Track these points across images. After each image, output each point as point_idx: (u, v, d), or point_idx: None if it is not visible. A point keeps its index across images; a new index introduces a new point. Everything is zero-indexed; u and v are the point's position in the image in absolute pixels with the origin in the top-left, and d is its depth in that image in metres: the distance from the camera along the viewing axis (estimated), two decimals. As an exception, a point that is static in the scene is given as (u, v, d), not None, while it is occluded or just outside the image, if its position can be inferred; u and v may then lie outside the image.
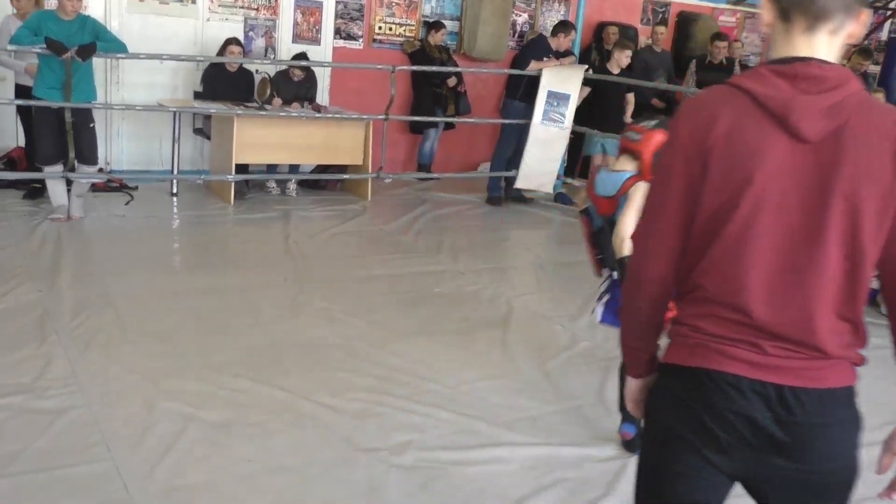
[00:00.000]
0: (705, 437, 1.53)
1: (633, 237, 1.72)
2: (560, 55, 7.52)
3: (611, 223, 2.92)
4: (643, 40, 9.69)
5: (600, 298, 3.18)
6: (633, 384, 1.75)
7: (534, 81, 7.35)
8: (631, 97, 7.78)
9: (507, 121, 7.59)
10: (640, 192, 2.81)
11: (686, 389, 1.56)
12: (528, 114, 7.39)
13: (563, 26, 7.64)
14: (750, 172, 1.47)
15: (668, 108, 8.93)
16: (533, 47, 7.67)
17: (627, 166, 2.98)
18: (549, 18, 9.30)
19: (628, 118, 7.84)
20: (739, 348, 1.50)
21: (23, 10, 5.91)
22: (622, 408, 3.22)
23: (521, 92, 7.43)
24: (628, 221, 2.79)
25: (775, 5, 1.51)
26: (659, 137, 2.82)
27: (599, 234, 3.07)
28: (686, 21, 10.04)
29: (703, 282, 1.54)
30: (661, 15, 10.11)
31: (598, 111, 7.69)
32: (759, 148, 1.46)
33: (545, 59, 7.39)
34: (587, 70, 7.53)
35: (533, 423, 3.46)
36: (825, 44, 1.48)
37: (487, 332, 4.43)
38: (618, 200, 2.91)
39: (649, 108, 8.64)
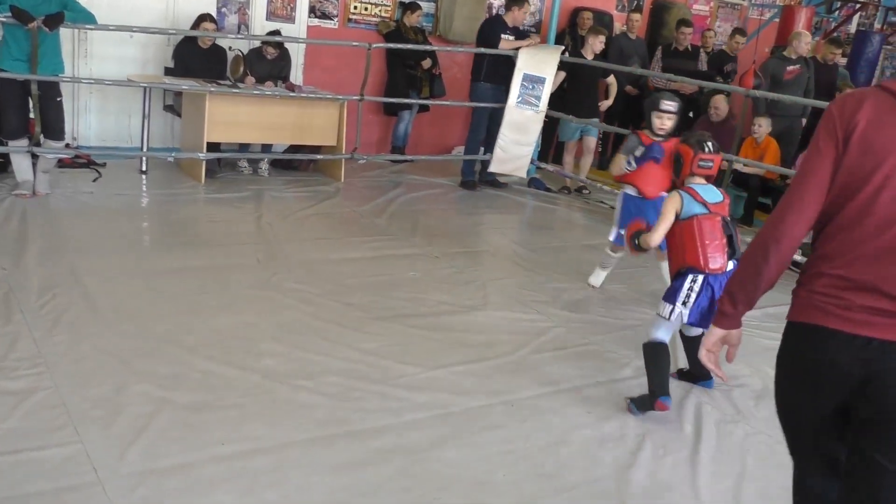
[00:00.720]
0: (821, 382, 1.91)
1: (784, 200, 1.97)
2: (519, 32, 7.47)
3: (728, 221, 3.65)
4: (618, 27, 9.70)
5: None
6: (717, 334, 2.08)
7: (497, 62, 7.30)
8: (613, 81, 7.77)
9: (479, 104, 7.54)
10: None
11: (803, 343, 1.94)
12: (497, 95, 7.37)
13: (516, 0, 7.49)
14: (882, 158, 1.79)
15: (641, 96, 8.97)
16: (488, 27, 7.56)
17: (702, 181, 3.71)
18: (526, 1, 9.25)
19: (609, 102, 7.85)
20: (846, 308, 1.84)
21: None
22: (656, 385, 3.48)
23: (485, 73, 7.38)
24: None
25: None
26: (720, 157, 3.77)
27: (730, 229, 3.62)
28: (660, 9, 10.06)
29: (822, 249, 1.91)
30: (636, 2, 10.12)
31: (573, 96, 7.68)
32: (893, 139, 1.79)
33: (503, 36, 7.31)
34: (563, 53, 7.52)
35: (509, 408, 3.46)
36: None
37: (463, 316, 4.41)
38: (725, 206, 3.68)
39: (623, 94, 8.67)
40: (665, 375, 3.50)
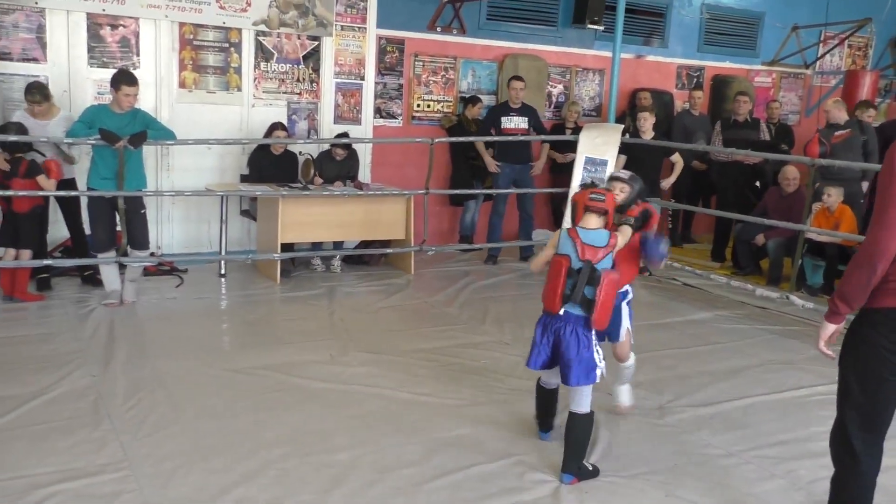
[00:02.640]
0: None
1: (876, 222, 2.54)
2: (521, 109, 7.87)
3: (591, 268, 3.42)
4: (679, 104, 9.77)
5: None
6: (831, 328, 2.78)
7: (505, 143, 7.80)
8: (678, 159, 7.79)
9: (546, 190, 7.67)
10: (626, 233, 3.64)
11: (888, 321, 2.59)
12: (510, 174, 7.88)
13: (508, 80, 8.00)
14: None
15: (708, 170, 8.94)
16: (490, 113, 8.09)
17: (596, 223, 3.52)
18: (584, 88, 9.46)
19: (672, 179, 7.85)
20: None
21: (40, 112, 6.05)
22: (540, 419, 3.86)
23: (497, 155, 7.87)
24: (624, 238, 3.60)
25: None
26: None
27: (576, 272, 3.45)
28: (721, 84, 10.11)
29: None
30: (695, 79, 10.20)
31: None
32: None
33: (503, 118, 7.83)
34: (624, 134, 7.61)
35: (582, 494, 3.38)
36: None
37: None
38: (600, 252, 3.45)
39: (690, 170, 8.66)
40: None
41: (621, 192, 3.81)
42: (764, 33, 10.61)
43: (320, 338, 5.40)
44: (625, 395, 4.29)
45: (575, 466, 3.50)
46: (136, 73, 6.16)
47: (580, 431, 3.51)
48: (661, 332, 5.76)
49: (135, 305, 5.95)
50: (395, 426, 3.99)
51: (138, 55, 7.10)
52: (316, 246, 7.38)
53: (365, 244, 7.51)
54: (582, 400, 3.50)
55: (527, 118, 7.88)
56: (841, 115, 7.69)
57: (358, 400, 4.31)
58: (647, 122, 7.72)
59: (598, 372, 3.50)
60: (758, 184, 8.43)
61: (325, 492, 3.31)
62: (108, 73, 6.03)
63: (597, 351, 3.51)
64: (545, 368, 3.62)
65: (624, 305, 4.04)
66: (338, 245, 7.42)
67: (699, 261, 8.36)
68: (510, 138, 7.75)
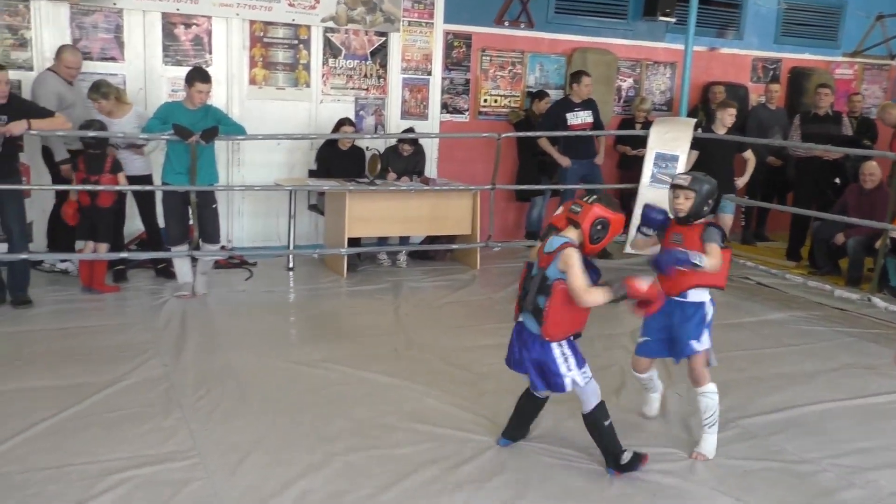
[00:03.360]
0: None
1: None
2: (586, 104, 7.74)
3: (543, 276, 3.35)
4: (755, 98, 9.48)
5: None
6: None
7: (569, 140, 7.68)
8: (751, 156, 7.54)
9: (615, 186, 7.54)
10: (574, 258, 3.26)
11: None
12: (577, 170, 7.75)
13: (574, 76, 7.85)
14: None
15: (784, 167, 8.64)
16: (554, 108, 7.90)
17: (571, 234, 3.39)
18: (655, 82, 9.27)
19: (745, 178, 7.62)
20: None
21: (105, 109, 6.21)
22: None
23: (562, 151, 7.74)
24: (577, 277, 3.23)
25: None
26: (596, 210, 3.33)
27: (530, 280, 3.44)
28: (799, 77, 9.77)
29: None
30: (771, 72, 9.88)
31: (706, 172, 7.50)
32: None
33: (568, 114, 7.65)
34: (696, 128, 7.41)
35: (652, 496, 3.31)
36: None
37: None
38: (552, 258, 3.32)
39: (765, 166, 8.39)
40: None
41: (686, 200, 3.63)
42: (846, 23, 10.20)
43: (385, 332, 5.43)
44: (706, 443, 3.72)
45: (612, 461, 3.47)
46: (208, 70, 6.30)
47: (595, 429, 3.48)
48: (733, 332, 5.59)
49: (206, 297, 6.09)
50: (456, 422, 3.97)
51: (210, 53, 7.25)
52: (382, 241, 7.43)
53: (431, 239, 7.51)
54: (582, 401, 3.48)
55: (591, 111, 7.76)
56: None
57: (420, 395, 4.31)
58: (731, 118, 7.45)
59: (568, 380, 3.39)
60: (837, 180, 8.10)
61: (387, 486, 3.31)
62: (182, 71, 6.18)
63: (564, 360, 3.39)
64: (515, 370, 3.57)
65: (698, 319, 3.69)
66: (404, 240, 7.44)
67: (774, 259, 8.09)
68: (578, 132, 7.64)
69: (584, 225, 3.33)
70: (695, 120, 7.65)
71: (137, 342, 4.99)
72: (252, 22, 7.35)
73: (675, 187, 3.69)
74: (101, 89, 6.16)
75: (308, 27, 7.57)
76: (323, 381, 4.48)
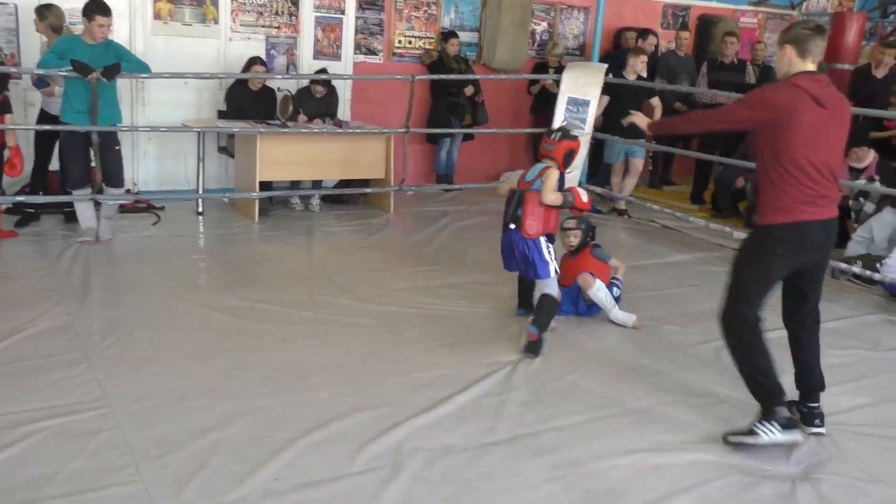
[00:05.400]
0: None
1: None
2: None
3: (521, 193, 4.45)
4: (664, 44, 9.65)
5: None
6: None
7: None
8: (657, 103, 7.72)
9: (526, 130, 7.60)
10: (553, 175, 4.38)
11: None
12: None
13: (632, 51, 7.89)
14: (811, 118, 3.21)
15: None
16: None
17: (548, 163, 4.48)
18: (569, 27, 9.31)
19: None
20: None
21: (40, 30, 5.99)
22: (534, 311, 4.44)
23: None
24: (549, 182, 4.36)
25: (796, 50, 3.33)
26: (566, 143, 4.50)
27: (513, 200, 4.48)
28: (707, 24, 9.98)
29: None
30: (681, 19, 10.06)
31: (617, 118, 7.66)
32: (810, 110, 3.22)
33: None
34: (606, 73, 7.52)
35: (558, 432, 3.45)
36: (816, 65, 3.34)
37: (515, 343, 4.42)
38: (533, 182, 4.43)
39: (673, 111, 8.60)
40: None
41: (575, 239, 4.86)
42: (751, -28, 10.45)
43: (299, 277, 5.39)
44: (617, 318, 4.83)
45: (540, 325, 4.32)
46: (109, 3, 5.96)
47: (547, 304, 4.38)
48: (638, 274, 5.79)
49: (111, 243, 5.89)
50: (374, 365, 4.02)
51: (110, -16, 6.86)
52: (294, 185, 7.31)
53: (344, 183, 7.44)
54: (547, 287, 4.41)
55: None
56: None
57: (337, 339, 4.33)
58: (642, 64, 7.59)
59: (552, 267, 4.40)
60: (740, 127, 8.40)
61: (306, 430, 3.33)
62: (80, 3, 5.80)
63: (548, 252, 4.39)
64: (514, 271, 4.63)
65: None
66: (316, 184, 7.35)
67: (679, 203, 8.38)
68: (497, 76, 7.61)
69: (558, 157, 4.46)
70: (605, 66, 7.76)
71: (39, 289, 4.81)
72: (154, -48, 6.98)
73: (564, 229, 4.86)
74: (40, 10, 5.87)
75: (214, -40, 7.25)
76: (236, 327, 4.43)
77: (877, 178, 6.61)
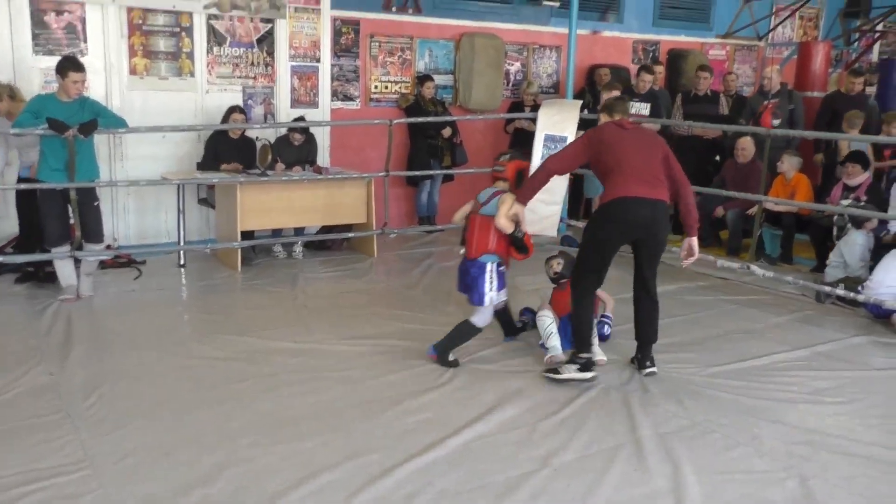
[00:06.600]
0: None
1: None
2: (643, 97, 8.33)
3: (471, 217, 4.58)
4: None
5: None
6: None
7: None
8: None
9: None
10: (508, 199, 4.42)
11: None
12: None
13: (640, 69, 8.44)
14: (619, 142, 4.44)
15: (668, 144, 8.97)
16: None
17: (500, 185, 4.62)
18: (542, 66, 9.45)
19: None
20: None
21: (2, 111, 5.93)
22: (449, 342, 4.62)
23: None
24: (503, 208, 4.38)
25: (606, 112, 4.78)
26: (514, 165, 4.64)
27: (468, 221, 4.61)
28: (676, 58, 10.16)
29: None
30: (651, 54, 10.24)
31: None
32: (625, 136, 4.48)
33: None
34: (582, 109, 7.60)
35: (553, 471, 3.40)
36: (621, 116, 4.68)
37: (504, 382, 4.38)
38: (486, 203, 4.51)
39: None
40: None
41: (559, 266, 4.98)
42: (717, 6, 10.68)
43: (284, 325, 5.34)
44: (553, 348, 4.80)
45: (442, 349, 4.53)
46: (84, 60, 6.00)
47: (462, 328, 4.54)
48: (625, 305, 5.78)
49: (92, 299, 5.83)
50: (362, 411, 3.97)
51: (86, 42, 6.91)
52: (276, 233, 7.29)
53: (327, 229, 7.43)
54: (475, 315, 4.53)
55: (650, 105, 8.18)
56: (770, 84, 8.00)
57: (324, 386, 4.28)
58: None
59: (488, 298, 4.44)
60: (717, 157, 8.51)
61: (294, 482, 3.27)
62: (55, 61, 5.83)
63: (490, 281, 4.42)
64: (463, 293, 4.61)
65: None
66: (299, 231, 7.33)
67: (660, 234, 8.41)
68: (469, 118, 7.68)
69: (509, 176, 4.61)
70: (581, 102, 7.85)
71: (20, 350, 4.73)
72: (129, 9, 7.03)
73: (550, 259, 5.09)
74: None
75: (190, 14, 7.31)
76: (221, 377, 4.37)
77: (864, 198, 6.69)
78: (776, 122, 7.83)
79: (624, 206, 4.32)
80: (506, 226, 4.38)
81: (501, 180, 4.62)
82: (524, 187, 4.45)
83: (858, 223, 6.33)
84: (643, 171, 4.38)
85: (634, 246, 4.52)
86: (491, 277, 4.45)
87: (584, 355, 4.41)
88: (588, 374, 4.38)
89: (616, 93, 7.70)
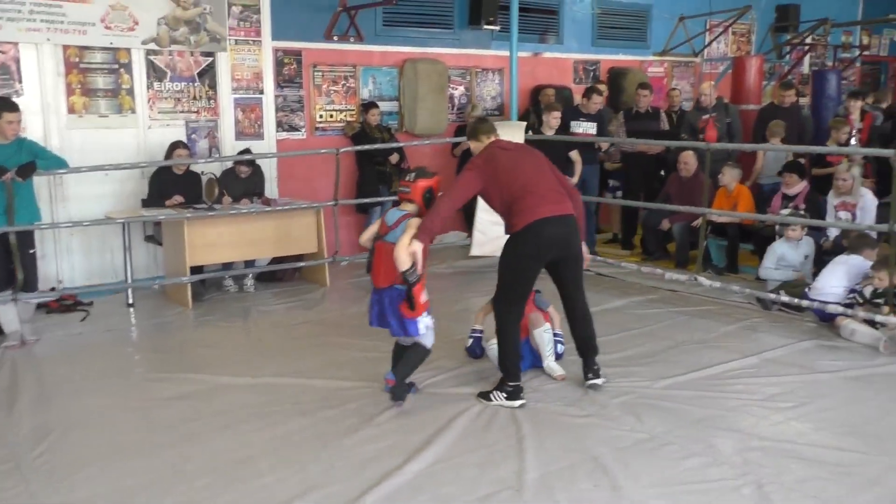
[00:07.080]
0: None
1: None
2: (591, 117, 8.35)
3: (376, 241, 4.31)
4: (578, 99, 9.96)
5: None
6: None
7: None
8: (576, 158, 7.91)
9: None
10: (413, 224, 4.15)
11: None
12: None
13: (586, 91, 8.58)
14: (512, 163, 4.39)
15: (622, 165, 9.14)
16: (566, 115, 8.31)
17: (408, 207, 4.32)
18: (486, 89, 9.56)
19: (575, 179, 7.98)
20: None
21: None
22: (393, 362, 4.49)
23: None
24: (405, 238, 4.06)
25: (480, 138, 4.64)
26: (420, 184, 4.31)
27: (373, 247, 4.33)
28: (617, 76, 10.37)
29: None
30: (592, 73, 10.44)
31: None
32: (512, 157, 4.44)
33: (572, 122, 8.27)
34: (526, 130, 7.70)
35: (515, 492, 3.41)
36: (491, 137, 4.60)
37: (461, 403, 4.38)
38: (393, 228, 4.24)
39: (601, 165, 8.86)
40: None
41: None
42: (653, 25, 10.96)
43: (238, 360, 5.27)
44: (552, 365, 4.90)
45: (400, 375, 4.31)
46: (19, 100, 5.89)
47: (412, 358, 4.35)
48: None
49: (37, 344, 5.67)
50: (321, 441, 3.93)
51: (21, 82, 6.78)
52: (227, 266, 7.20)
53: (277, 260, 7.37)
54: (421, 341, 4.33)
55: (596, 124, 8.23)
56: (706, 101, 8.26)
57: (280, 420, 4.22)
58: (556, 120, 7.85)
59: (422, 325, 4.24)
60: (663, 172, 8.69)
61: (253, 520, 3.22)
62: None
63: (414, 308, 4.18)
64: (375, 326, 4.40)
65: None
66: (249, 264, 7.26)
67: (610, 249, 8.55)
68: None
69: (416, 198, 4.28)
70: (524, 123, 7.96)
71: (-38, 402, 4.57)
72: (66, 47, 6.93)
73: None
74: None
75: (128, 50, 7.23)
76: (176, 417, 4.29)
77: (803, 207, 6.90)
78: (718, 134, 8.04)
79: (538, 230, 4.22)
80: (404, 261, 4.01)
81: (408, 202, 4.32)
82: (423, 229, 4.06)
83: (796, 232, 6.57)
84: (546, 188, 4.32)
85: (553, 266, 4.46)
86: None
87: (512, 383, 4.36)
88: (516, 403, 4.31)
89: (556, 113, 7.85)
